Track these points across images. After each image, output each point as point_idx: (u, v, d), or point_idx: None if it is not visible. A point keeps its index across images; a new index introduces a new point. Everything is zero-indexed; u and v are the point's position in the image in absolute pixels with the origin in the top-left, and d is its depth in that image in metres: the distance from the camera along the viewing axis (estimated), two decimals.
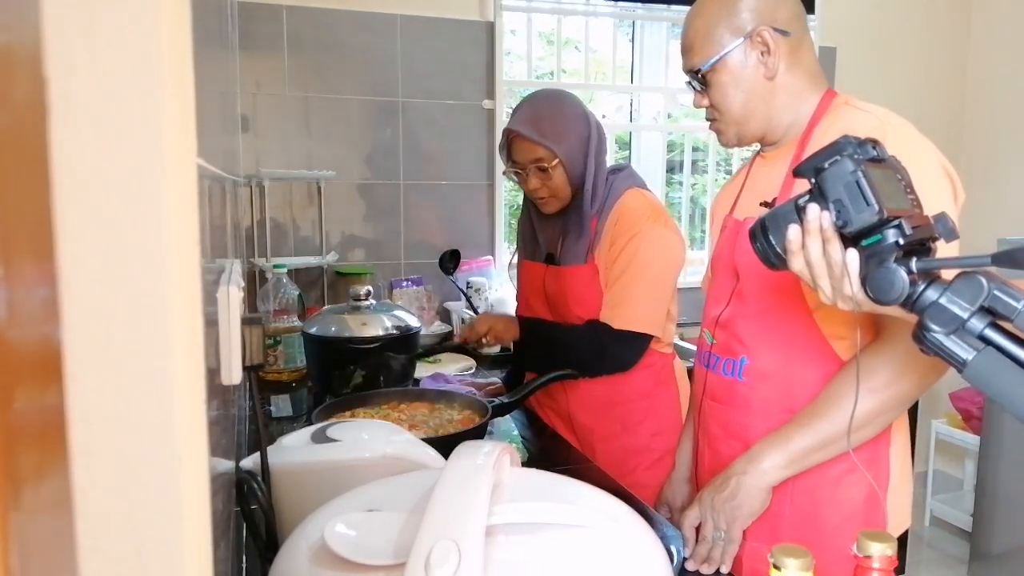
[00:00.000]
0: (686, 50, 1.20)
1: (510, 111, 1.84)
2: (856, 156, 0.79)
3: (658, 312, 1.61)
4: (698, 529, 1.14)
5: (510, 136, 1.63)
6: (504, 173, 1.71)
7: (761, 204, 1.15)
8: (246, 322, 0.85)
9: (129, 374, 0.37)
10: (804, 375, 1.12)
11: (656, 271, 1.58)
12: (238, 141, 2.21)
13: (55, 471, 0.31)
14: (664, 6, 2.90)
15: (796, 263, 0.85)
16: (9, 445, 0.24)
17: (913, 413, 2.62)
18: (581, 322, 1.64)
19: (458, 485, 0.69)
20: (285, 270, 2.08)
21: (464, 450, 0.76)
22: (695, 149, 3.22)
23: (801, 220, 0.83)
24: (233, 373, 0.77)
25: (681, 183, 3.25)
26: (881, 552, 0.74)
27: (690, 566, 1.09)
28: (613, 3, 2.87)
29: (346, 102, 2.52)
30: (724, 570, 1.09)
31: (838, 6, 3.05)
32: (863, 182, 0.77)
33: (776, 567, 0.72)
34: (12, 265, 0.25)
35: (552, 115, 1.60)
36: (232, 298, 0.75)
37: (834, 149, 0.80)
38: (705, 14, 1.17)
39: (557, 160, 1.58)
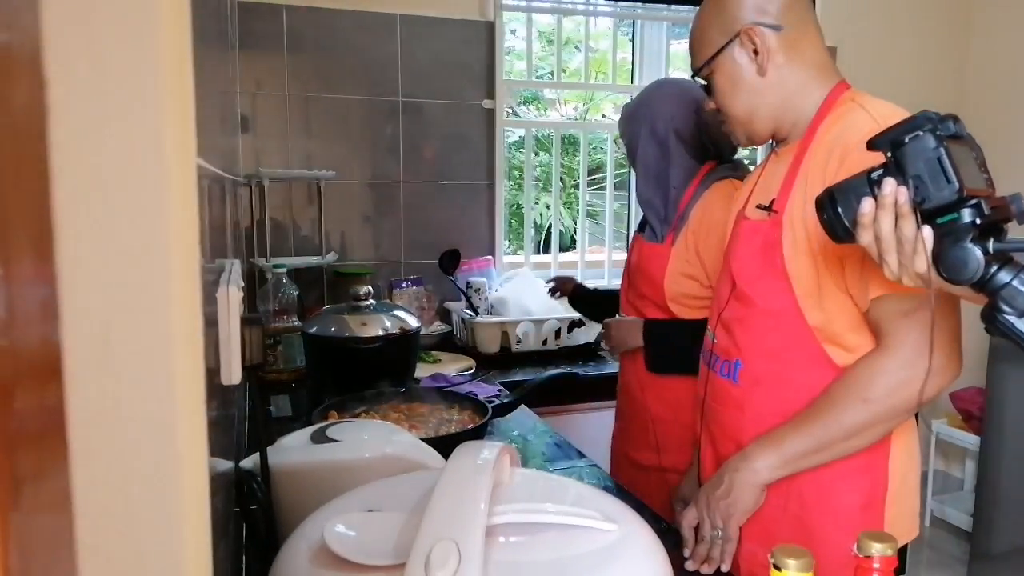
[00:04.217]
0: (690, 53, 1.23)
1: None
2: (938, 132, 0.77)
3: None
4: (697, 529, 1.14)
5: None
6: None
7: (757, 207, 1.14)
8: (246, 322, 0.85)
9: (129, 374, 0.37)
10: (799, 381, 1.10)
11: None
12: (238, 141, 2.21)
13: (55, 471, 0.31)
14: (664, 6, 2.90)
15: (865, 237, 0.83)
16: (9, 445, 0.24)
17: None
18: (640, 295, 1.68)
19: (458, 485, 0.69)
20: (285, 270, 2.08)
21: (464, 450, 0.76)
22: None
23: (874, 193, 0.81)
24: (233, 373, 0.77)
25: None
26: (881, 552, 0.74)
27: (690, 566, 1.09)
28: (613, 3, 2.87)
29: (346, 102, 2.52)
30: (724, 568, 1.09)
31: (838, 5, 3.05)
32: (945, 159, 0.75)
33: (776, 567, 0.72)
34: (12, 265, 0.25)
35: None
36: (232, 298, 0.76)
37: (913, 123, 0.78)
38: (701, 16, 1.19)
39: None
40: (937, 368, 0.97)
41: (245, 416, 1.52)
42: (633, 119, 1.70)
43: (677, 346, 1.59)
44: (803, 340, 1.09)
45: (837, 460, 1.07)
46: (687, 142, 1.62)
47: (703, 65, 1.18)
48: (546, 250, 3.51)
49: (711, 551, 1.09)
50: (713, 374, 1.22)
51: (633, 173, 1.87)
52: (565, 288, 2.23)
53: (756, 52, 1.12)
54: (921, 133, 0.77)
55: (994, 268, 0.73)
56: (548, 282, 2.31)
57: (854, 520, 1.10)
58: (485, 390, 1.90)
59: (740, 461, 1.10)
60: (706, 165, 1.63)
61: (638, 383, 1.69)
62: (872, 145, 0.82)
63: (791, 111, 1.15)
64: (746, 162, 1.78)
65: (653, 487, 1.63)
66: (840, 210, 0.84)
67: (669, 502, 1.55)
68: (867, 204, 0.81)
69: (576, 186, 4.21)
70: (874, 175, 0.82)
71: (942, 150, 0.76)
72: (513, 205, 4.01)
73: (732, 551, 1.09)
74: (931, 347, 0.91)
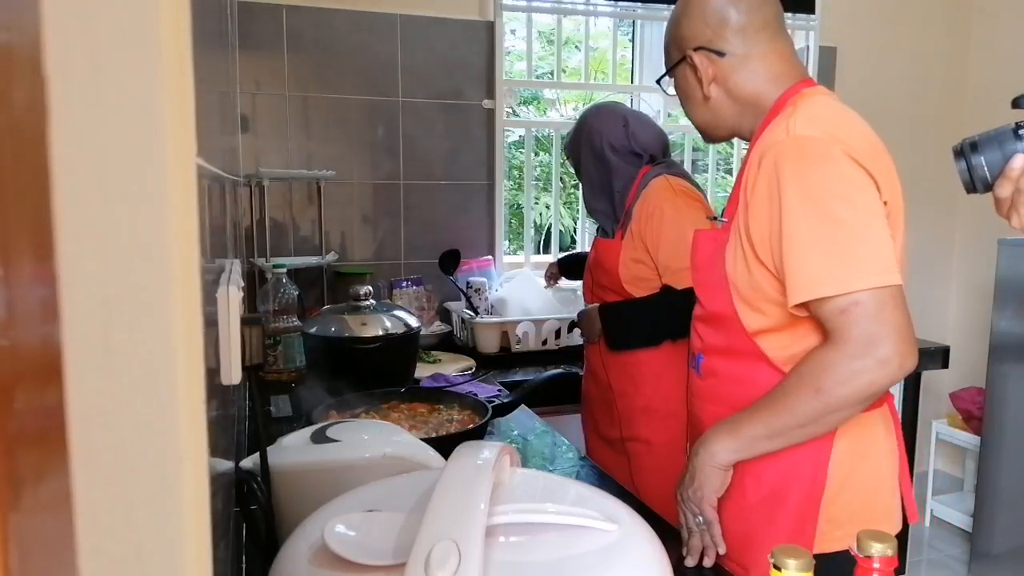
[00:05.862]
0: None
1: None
2: None
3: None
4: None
5: None
6: None
7: (709, 218, 1.16)
8: (246, 322, 0.85)
9: (129, 374, 0.37)
10: (745, 376, 1.12)
11: (679, 233, 1.73)
12: (238, 141, 2.21)
13: (55, 471, 0.31)
14: (664, 6, 2.90)
15: (1005, 189, 0.86)
16: (9, 445, 0.24)
17: (913, 413, 2.62)
18: (600, 286, 1.90)
19: (458, 485, 0.69)
20: (285, 270, 2.08)
21: (464, 450, 0.76)
22: (695, 149, 3.22)
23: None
24: (233, 373, 0.77)
25: None
26: (881, 552, 0.74)
27: (689, 562, 1.11)
28: (613, 3, 2.87)
29: (346, 102, 2.52)
30: (721, 551, 1.11)
31: (838, 6, 3.05)
32: None
33: (776, 567, 0.72)
34: (12, 265, 0.25)
35: None
36: (232, 298, 0.76)
37: None
38: (667, 28, 1.26)
39: None
40: (885, 359, 0.98)
41: (245, 416, 1.52)
42: (574, 142, 1.95)
43: (629, 320, 1.83)
44: (743, 341, 1.12)
45: (781, 454, 1.08)
46: (620, 152, 1.86)
47: (661, 77, 1.28)
48: (546, 250, 3.51)
49: (703, 540, 1.12)
50: (691, 368, 1.27)
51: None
52: (554, 274, 2.45)
53: (699, 78, 1.18)
54: None
55: None
56: (547, 279, 2.51)
57: (789, 515, 1.10)
58: (485, 390, 1.90)
59: (700, 446, 1.12)
60: (643, 168, 1.86)
61: (601, 365, 1.90)
62: (1018, 103, 0.85)
63: (748, 118, 1.19)
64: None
65: (619, 459, 1.87)
66: (983, 159, 0.87)
67: (633, 472, 1.82)
68: (1020, 160, 0.85)
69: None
70: (1022, 131, 0.84)
71: None
72: (513, 205, 4.01)
73: (719, 533, 1.11)
74: (896, 337, 0.96)
